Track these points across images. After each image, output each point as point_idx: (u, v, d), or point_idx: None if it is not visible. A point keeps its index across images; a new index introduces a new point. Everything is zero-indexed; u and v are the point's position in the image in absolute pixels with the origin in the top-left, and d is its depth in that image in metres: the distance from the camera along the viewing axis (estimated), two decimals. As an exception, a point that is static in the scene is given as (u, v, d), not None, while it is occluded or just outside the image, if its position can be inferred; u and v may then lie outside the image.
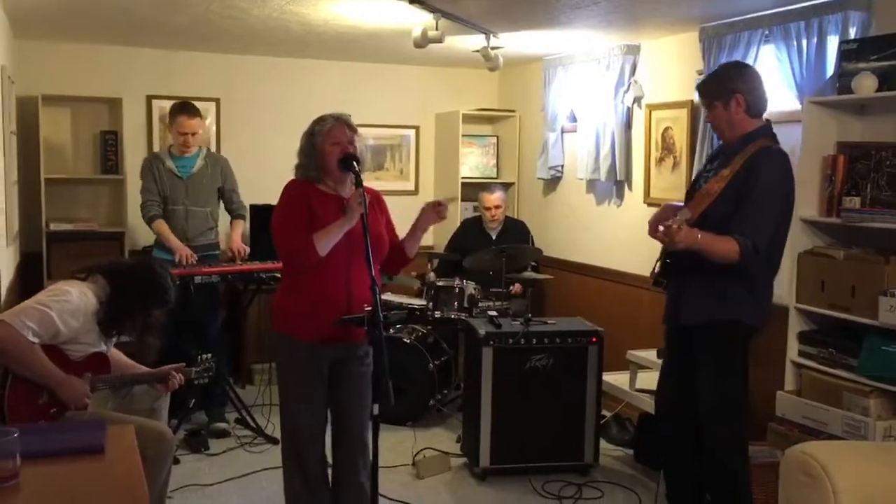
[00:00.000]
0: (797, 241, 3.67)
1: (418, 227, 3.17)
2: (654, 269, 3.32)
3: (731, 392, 3.16)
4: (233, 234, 4.85)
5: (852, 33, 3.58)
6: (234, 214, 4.93)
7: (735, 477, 3.17)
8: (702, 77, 3.23)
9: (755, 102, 3.12)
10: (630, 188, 5.15)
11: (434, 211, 3.11)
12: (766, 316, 3.21)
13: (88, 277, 3.10)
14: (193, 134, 4.70)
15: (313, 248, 2.92)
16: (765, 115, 4.12)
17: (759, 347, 4.00)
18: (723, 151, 3.24)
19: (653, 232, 3.28)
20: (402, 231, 3.26)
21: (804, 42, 3.77)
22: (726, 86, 3.12)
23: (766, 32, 3.96)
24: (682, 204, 3.32)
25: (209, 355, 3.48)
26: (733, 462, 3.17)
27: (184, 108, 4.72)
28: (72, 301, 2.94)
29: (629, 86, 5.00)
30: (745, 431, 3.25)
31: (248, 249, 4.80)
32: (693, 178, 3.36)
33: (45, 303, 2.90)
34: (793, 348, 3.70)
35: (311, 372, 3.06)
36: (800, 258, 3.65)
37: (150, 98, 5.66)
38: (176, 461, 3.92)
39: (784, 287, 3.84)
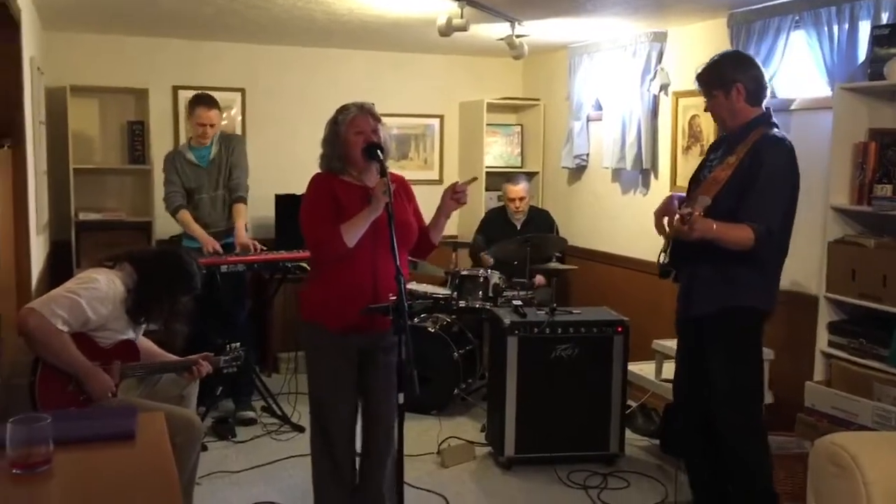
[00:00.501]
0: (827, 229, 3.63)
1: (441, 214, 3.17)
2: (659, 258, 3.32)
3: (743, 379, 3.14)
4: (237, 225, 4.71)
5: (884, 18, 3.52)
6: (234, 196, 4.79)
7: (747, 465, 3.16)
8: (700, 67, 3.22)
9: (755, 91, 3.11)
10: (656, 177, 5.11)
11: (452, 197, 3.09)
12: (777, 300, 3.20)
13: (116, 265, 3.14)
14: (211, 125, 4.73)
15: (341, 239, 2.93)
16: (794, 104, 4.09)
17: (787, 337, 3.98)
18: (726, 140, 3.24)
19: (659, 223, 3.27)
20: (428, 218, 3.26)
21: (835, 28, 3.71)
22: (726, 75, 3.11)
23: (797, 18, 3.91)
24: (684, 195, 3.31)
25: (238, 344, 3.51)
26: (746, 449, 3.15)
27: (202, 99, 4.75)
28: (100, 288, 2.97)
29: (656, 73, 4.95)
30: (761, 419, 3.23)
31: (256, 244, 4.71)
32: (697, 167, 3.36)
33: (74, 290, 2.93)
34: (822, 338, 3.66)
35: (338, 359, 3.08)
36: (830, 247, 3.61)
37: (176, 88, 5.70)
38: (203, 448, 3.96)
39: (813, 276, 3.80)
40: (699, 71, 3.22)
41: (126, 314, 3.07)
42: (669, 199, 3.32)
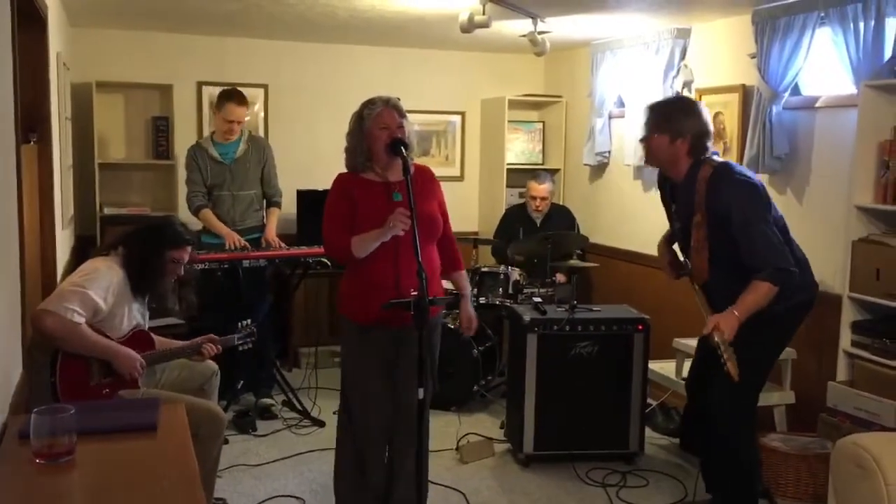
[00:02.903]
0: (851, 228, 3.60)
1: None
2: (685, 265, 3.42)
3: (752, 364, 3.15)
4: (268, 224, 4.89)
5: (912, 15, 3.48)
6: (271, 202, 4.96)
7: (735, 452, 3.23)
8: (656, 103, 3.32)
9: (698, 146, 3.16)
10: (678, 174, 5.07)
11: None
12: (815, 283, 3.28)
13: (110, 252, 3.22)
14: (238, 122, 4.76)
15: (349, 250, 2.99)
16: (818, 101, 4.06)
17: (810, 336, 3.94)
18: (677, 195, 3.28)
19: (673, 273, 3.49)
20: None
21: (861, 24, 3.67)
22: (675, 124, 3.16)
23: (822, 15, 3.86)
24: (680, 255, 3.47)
25: (249, 321, 3.60)
26: (734, 433, 3.21)
27: (232, 95, 4.76)
28: (103, 277, 3.05)
29: (679, 70, 4.92)
30: (754, 410, 3.29)
31: (281, 243, 4.83)
32: (666, 208, 3.46)
33: (79, 283, 3.00)
34: (846, 338, 3.63)
35: (366, 353, 3.09)
36: (854, 246, 3.57)
37: (200, 84, 5.74)
38: (225, 441, 3.99)
39: (837, 276, 3.76)
40: (654, 106, 3.29)
41: (133, 294, 3.15)
42: (667, 255, 3.51)
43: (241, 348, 3.55)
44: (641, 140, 3.31)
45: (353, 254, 2.97)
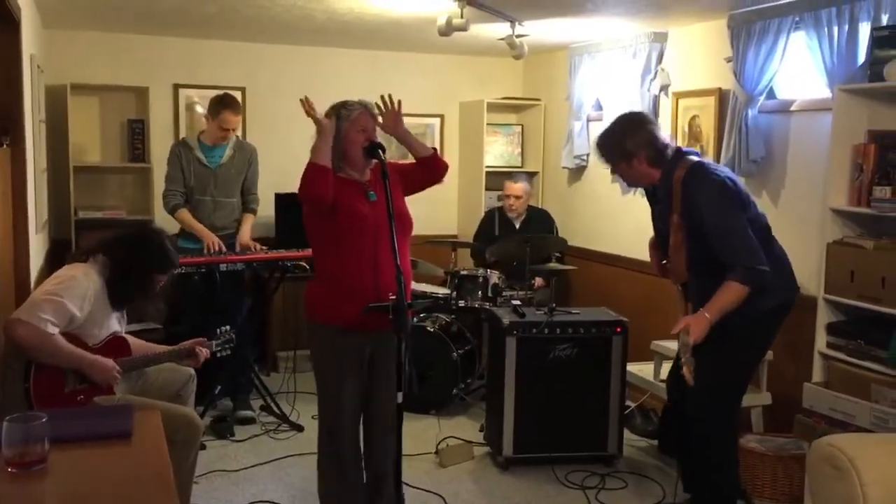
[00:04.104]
0: (826, 230, 3.63)
1: (402, 141, 3.31)
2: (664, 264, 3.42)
3: (731, 373, 3.19)
4: (242, 228, 4.85)
5: (884, 20, 3.52)
6: (247, 208, 4.91)
7: (713, 456, 3.23)
8: (600, 138, 3.31)
9: (656, 155, 3.16)
10: (656, 177, 5.09)
11: (386, 122, 3.18)
12: (797, 285, 3.30)
13: (90, 258, 3.15)
14: (233, 129, 4.72)
15: (314, 166, 2.93)
16: (793, 105, 4.08)
17: (786, 338, 3.97)
18: (659, 197, 3.29)
19: (661, 273, 3.47)
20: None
21: (835, 29, 3.71)
22: (623, 150, 3.17)
23: (797, 19, 3.90)
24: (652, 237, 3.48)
25: (228, 327, 3.55)
26: (714, 438, 3.22)
27: (228, 103, 4.65)
28: (79, 285, 3.00)
29: (656, 73, 4.95)
30: (736, 414, 3.29)
31: (257, 245, 4.80)
32: (652, 221, 3.46)
33: (54, 292, 2.94)
34: (821, 340, 3.66)
35: (342, 358, 3.07)
36: (829, 248, 3.61)
37: (176, 87, 5.70)
38: (202, 447, 3.96)
39: (812, 278, 3.80)
40: (598, 144, 3.30)
41: (110, 303, 3.09)
42: (654, 251, 3.46)
43: (219, 354, 3.52)
44: (612, 173, 3.39)
45: (319, 164, 2.92)
